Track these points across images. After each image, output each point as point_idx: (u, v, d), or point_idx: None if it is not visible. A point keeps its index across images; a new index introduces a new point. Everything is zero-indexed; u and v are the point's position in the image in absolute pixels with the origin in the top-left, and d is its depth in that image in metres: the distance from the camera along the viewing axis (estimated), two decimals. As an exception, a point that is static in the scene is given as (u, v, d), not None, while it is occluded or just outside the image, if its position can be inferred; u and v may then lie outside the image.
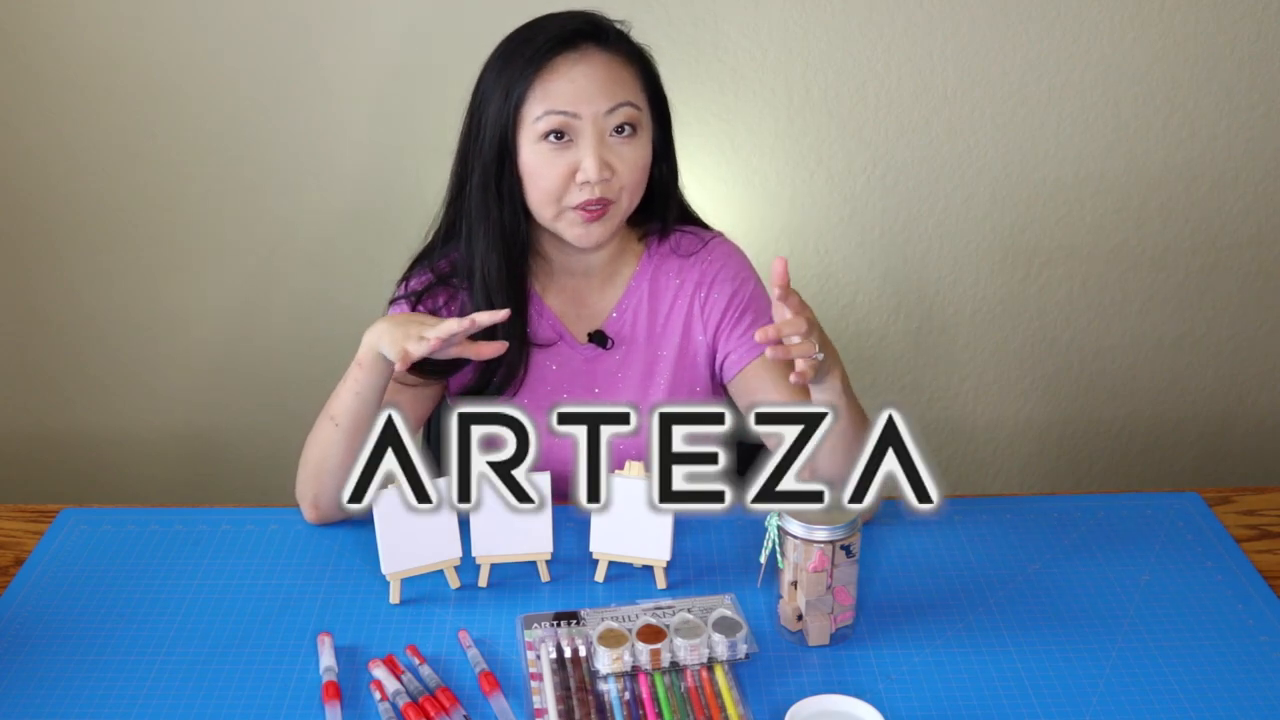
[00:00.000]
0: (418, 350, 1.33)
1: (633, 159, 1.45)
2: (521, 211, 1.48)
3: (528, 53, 1.42)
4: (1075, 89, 2.29)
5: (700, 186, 2.33)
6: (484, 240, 1.48)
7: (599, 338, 1.56)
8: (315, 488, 1.47)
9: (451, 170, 1.52)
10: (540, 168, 1.43)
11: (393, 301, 1.56)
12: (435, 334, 1.32)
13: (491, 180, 1.46)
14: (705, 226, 1.62)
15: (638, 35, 1.51)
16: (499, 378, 1.53)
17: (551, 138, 1.42)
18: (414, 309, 1.52)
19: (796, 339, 1.25)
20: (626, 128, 1.44)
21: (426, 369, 1.49)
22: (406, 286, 1.55)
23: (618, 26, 1.48)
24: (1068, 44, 2.26)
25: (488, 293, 1.49)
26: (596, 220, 1.45)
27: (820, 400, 1.37)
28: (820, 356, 1.27)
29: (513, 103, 1.43)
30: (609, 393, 1.57)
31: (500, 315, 1.35)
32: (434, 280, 1.53)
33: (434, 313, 1.53)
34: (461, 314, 1.50)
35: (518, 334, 1.52)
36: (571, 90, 1.41)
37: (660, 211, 1.56)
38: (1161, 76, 2.29)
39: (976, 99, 2.29)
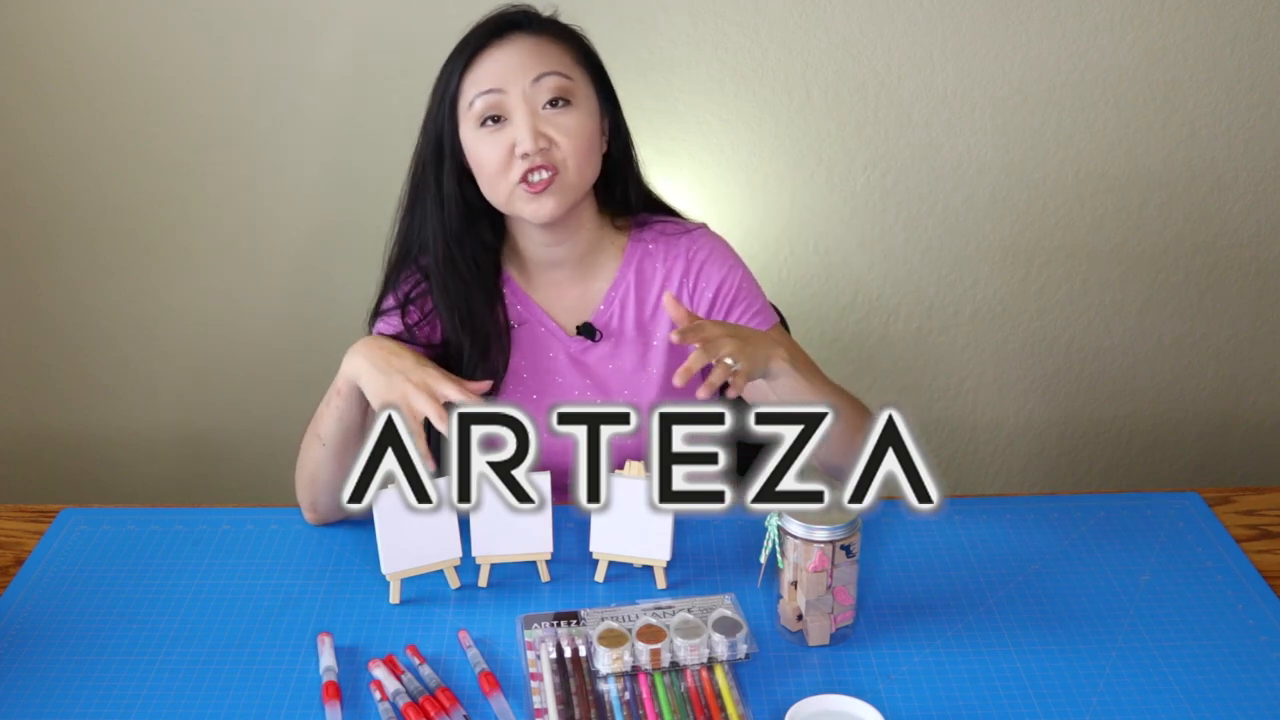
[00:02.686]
0: (424, 410, 1.33)
1: (571, 127, 1.45)
2: (476, 205, 1.50)
3: (458, 52, 1.47)
4: (1075, 89, 2.29)
5: (700, 186, 2.34)
6: (441, 241, 1.50)
7: (587, 330, 1.57)
8: (311, 495, 1.48)
9: (407, 177, 1.54)
10: (482, 153, 1.45)
11: (380, 313, 1.54)
12: (436, 411, 1.33)
13: (430, 180, 1.49)
14: (684, 218, 1.63)
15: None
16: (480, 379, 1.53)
17: (488, 122, 1.44)
18: (403, 312, 1.52)
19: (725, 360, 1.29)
20: (560, 100, 1.45)
21: None
22: (397, 295, 1.53)
23: (541, 13, 1.50)
24: (1068, 44, 2.26)
25: (449, 299, 1.50)
26: (544, 191, 1.45)
27: (782, 393, 1.40)
28: (736, 366, 1.30)
29: (448, 99, 1.46)
30: (601, 383, 1.57)
31: (482, 386, 1.39)
32: (421, 279, 1.53)
33: (425, 317, 1.52)
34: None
35: (493, 333, 1.53)
36: (497, 69, 1.44)
37: (621, 191, 1.57)
38: (1161, 76, 2.29)
39: (976, 99, 2.29)
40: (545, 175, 1.44)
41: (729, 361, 1.29)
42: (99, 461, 2.54)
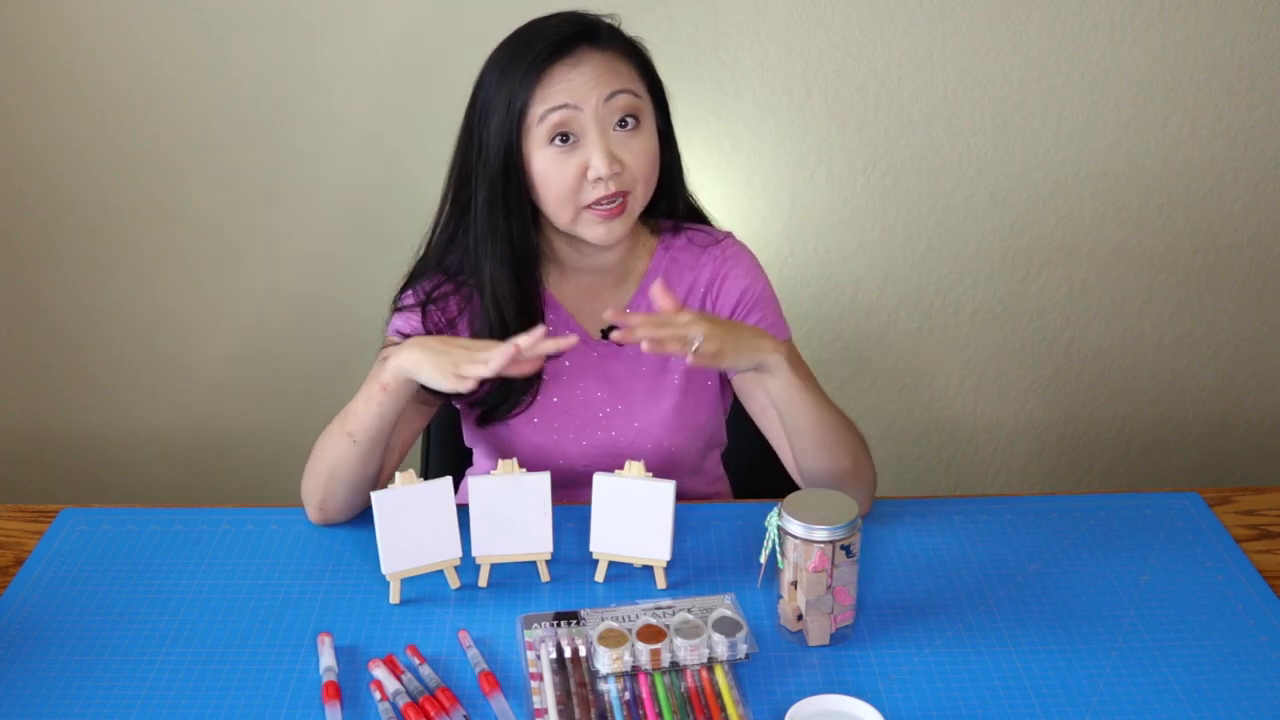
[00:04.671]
0: (474, 374, 1.32)
1: (640, 150, 1.45)
2: (531, 222, 1.48)
3: (524, 63, 1.42)
4: (1075, 89, 2.29)
5: (700, 187, 2.33)
6: (494, 257, 1.47)
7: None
8: (324, 493, 1.47)
9: (447, 186, 1.50)
10: (551, 172, 1.43)
11: (399, 309, 1.52)
12: (490, 368, 1.32)
13: (499, 195, 1.45)
14: (714, 226, 1.63)
15: (639, 36, 1.51)
16: (516, 391, 1.52)
17: (558, 140, 1.42)
18: (424, 311, 1.51)
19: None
20: (630, 120, 1.43)
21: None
22: (419, 291, 1.52)
23: (607, 22, 1.48)
24: (1068, 44, 2.26)
25: (500, 310, 1.48)
26: (615, 217, 1.44)
27: (775, 393, 1.40)
28: (697, 342, 1.31)
29: (515, 113, 1.42)
30: (622, 388, 1.57)
31: (538, 333, 1.34)
32: (444, 280, 1.51)
33: (450, 320, 1.51)
34: (473, 320, 1.51)
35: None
36: (569, 87, 1.41)
37: (668, 200, 1.56)
38: (1161, 76, 2.29)
39: (976, 99, 2.29)
40: (618, 201, 1.43)
41: (696, 341, 1.30)
42: (99, 461, 2.54)
